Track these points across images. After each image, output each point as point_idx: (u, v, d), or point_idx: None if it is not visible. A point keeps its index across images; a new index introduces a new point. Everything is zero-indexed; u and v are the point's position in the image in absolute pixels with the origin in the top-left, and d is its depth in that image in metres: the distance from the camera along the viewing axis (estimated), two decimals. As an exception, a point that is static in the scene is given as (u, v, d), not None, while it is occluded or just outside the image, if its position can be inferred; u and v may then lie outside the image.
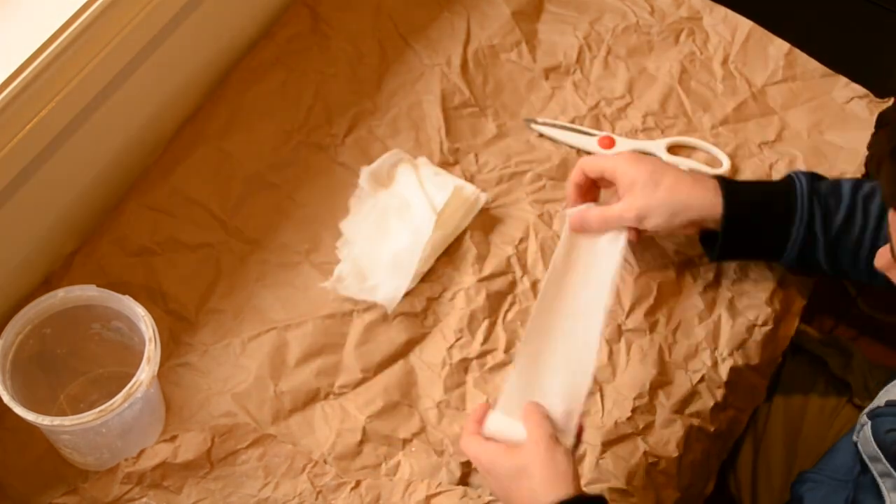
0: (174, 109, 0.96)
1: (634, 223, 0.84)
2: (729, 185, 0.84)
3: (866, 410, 0.77)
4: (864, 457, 0.76)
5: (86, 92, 0.83)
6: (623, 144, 0.98)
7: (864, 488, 0.77)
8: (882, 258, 0.72)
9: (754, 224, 0.84)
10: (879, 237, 0.82)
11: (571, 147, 0.99)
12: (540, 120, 0.99)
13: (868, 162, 0.71)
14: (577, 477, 0.73)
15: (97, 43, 0.81)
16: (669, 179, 0.83)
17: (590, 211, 0.85)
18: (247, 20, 1.02)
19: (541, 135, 0.99)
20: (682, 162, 0.98)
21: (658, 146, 0.98)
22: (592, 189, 0.88)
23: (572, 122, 1.00)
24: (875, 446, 0.74)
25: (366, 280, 0.88)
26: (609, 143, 0.98)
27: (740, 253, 0.88)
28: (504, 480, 0.74)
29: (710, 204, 0.83)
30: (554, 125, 0.99)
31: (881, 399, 0.76)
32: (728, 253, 0.87)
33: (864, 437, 0.75)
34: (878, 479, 0.74)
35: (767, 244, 0.85)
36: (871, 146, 0.72)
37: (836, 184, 0.85)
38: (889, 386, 0.78)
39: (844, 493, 0.80)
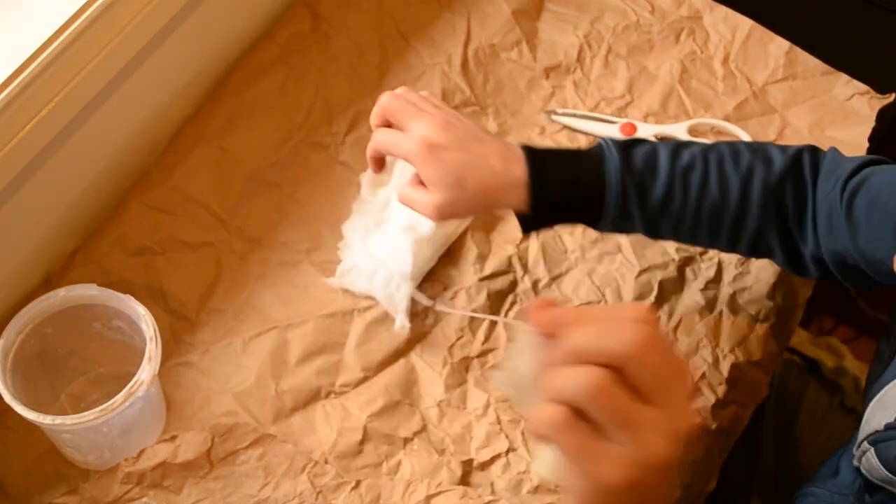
0: (174, 109, 0.96)
1: (435, 219, 0.78)
2: (535, 166, 0.76)
3: (864, 437, 0.74)
4: (874, 480, 0.73)
5: (86, 92, 0.83)
6: (645, 130, 0.99)
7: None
8: None
9: (564, 206, 0.78)
10: (702, 211, 0.77)
11: (594, 136, 0.99)
12: (560, 111, 1.00)
13: None
14: None
15: (97, 43, 0.81)
16: (474, 179, 0.75)
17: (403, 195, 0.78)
18: (247, 20, 1.02)
19: (565, 126, 1.00)
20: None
21: (680, 129, 0.99)
22: None
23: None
24: (885, 472, 0.71)
25: (371, 276, 0.88)
26: (631, 129, 0.98)
27: (553, 223, 0.81)
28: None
29: (516, 197, 0.76)
30: (574, 115, 0.99)
31: (872, 421, 0.73)
32: (539, 226, 0.80)
33: (870, 463, 0.72)
34: None
35: (581, 218, 0.79)
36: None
37: (653, 154, 0.78)
38: (873, 403, 0.74)
39: None
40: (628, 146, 0.78)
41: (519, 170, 0.75)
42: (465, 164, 0.74)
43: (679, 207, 0.77)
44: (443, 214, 0.76)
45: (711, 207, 0.77)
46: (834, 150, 0.80)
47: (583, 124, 0.99)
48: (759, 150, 0.79)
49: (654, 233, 0.80)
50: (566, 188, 0.77)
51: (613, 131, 0.99)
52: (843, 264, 0.77)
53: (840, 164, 0.78)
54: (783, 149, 0.79)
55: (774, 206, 0.78)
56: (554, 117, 1.00)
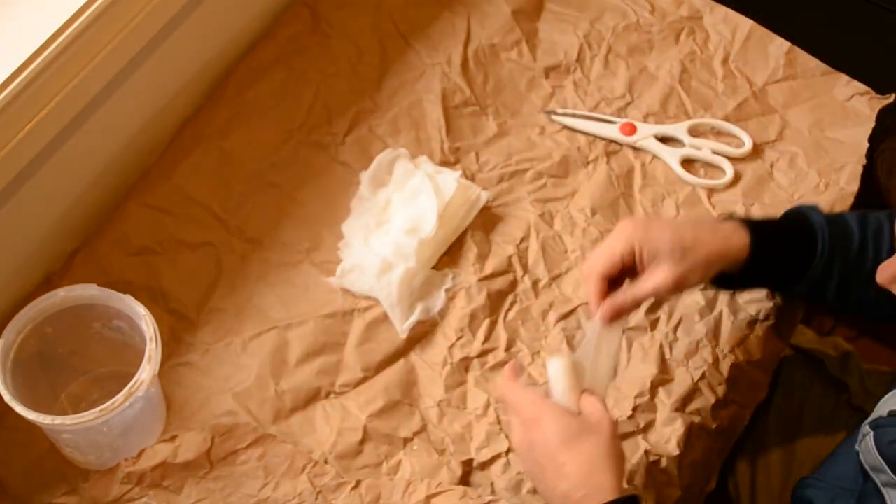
0: (174, 109, 0.97)
1: (671, 292, 0.80)
2: (751, 224, 0.81)
3: (868, 421, 0.76)
4: (866, 466, 0.75)
5: (86, 92, 0.83)
6: (644, 130, 0.98)
7: (866, 497, 0.76)
8: (885, 272, 0.69)
9: (777, 258, 0.81)
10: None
11: (593, 136, 0.99)
12: (560, 111, 1.00)
13: (877, 168, 0.68)
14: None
15: (97, 43, 0.81)
16: (691, 235, 0.79)
17: (617, 298, 0.79)
18: (247, 20, 1.02)
19: (565, 126, 1.00)
20: (706, 144, 0.99)
21: (680, 129, 0.99)
22: (612, 286, 0.81)
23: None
24: (878, 456, 0.73)
25: (371, 277, 0.88)
26: (630, 129, 0.98)
27: (752, 284, 0.86)
28: (557, 436, 0.70)
29: (738, 245, 0.79)
30: (574, 115, 0.99)
31: (882, 409, 0.75)
32: (740, 285, 0.84)
33: (866, 447, 0.74)
34: (882, 489, 0.74)
35: (783, 276, 0.83)
36: (881, 151, 0.70)
37: (842, 219, 0.82)
38: (889, 395, 0.77)
39: (849, 502, 0.79)
40: (819, 210, 0.82)
41: (736, 234, 0.79)
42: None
43: (871, 267, 0.76)
44: None
45: None
46: None
47: (582, 124, 1.00)
48: None
49: (845, 299, 0.82)
50: (780, 246, 0.81)
51: (613, 131, 0.99)
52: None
53: None
54: None
55: None
56: (554, 117, 1.00)
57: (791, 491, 0.90)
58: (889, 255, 0.77)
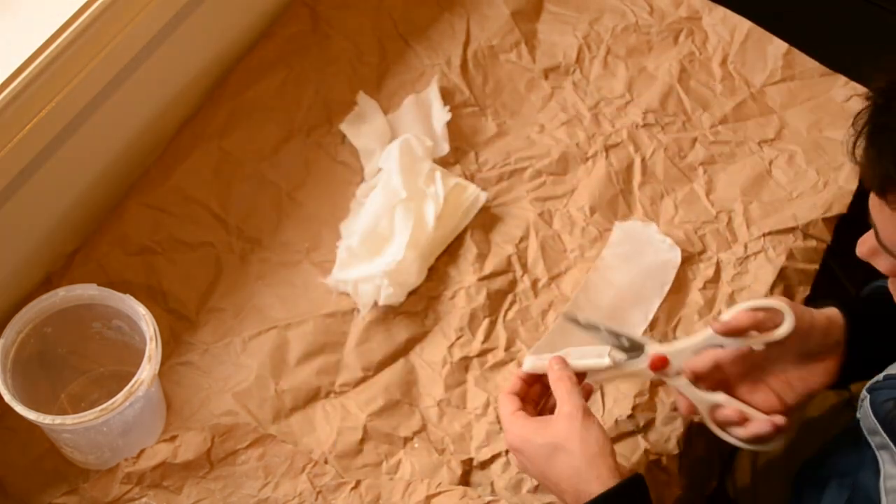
0: (174, 109, 0.97)
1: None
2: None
3: (867, 386, 0.76)
4: (864, 431, 0.76)
5: (86, 92, 0.83)
6: (677, 358, 0.78)
7: (864, 466, 0.76)
8: (864, 245, 0.69)
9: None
10: None
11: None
12: (583, 321, 0.82)
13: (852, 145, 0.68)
14: (613, 452, 0.73)
15: (97, 43, 0.81)
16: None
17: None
18: (247, 20, 1.02)
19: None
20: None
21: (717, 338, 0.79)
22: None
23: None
24: (874, 419, 0.74)
25: (360, 276, 0.88)
26: (663, 362, 0.78)
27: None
28: (538, 458, 0.74)
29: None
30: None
31: (881, 375, 0.76)
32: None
33: (864, 411, 0.75)
34: (877, 453, 0.74)
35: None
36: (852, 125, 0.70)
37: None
38: (893, 366, 0.76)
39: (847, 482, 0.80)
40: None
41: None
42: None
43: None
44: None
45: None
46: None
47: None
48: None
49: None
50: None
51: (643, 363, 0.79)
52: None
53: None
54: None
55: None
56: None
57: (791, 478, 0.89)
58: None
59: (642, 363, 0.78)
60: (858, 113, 0.68)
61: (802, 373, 0.79)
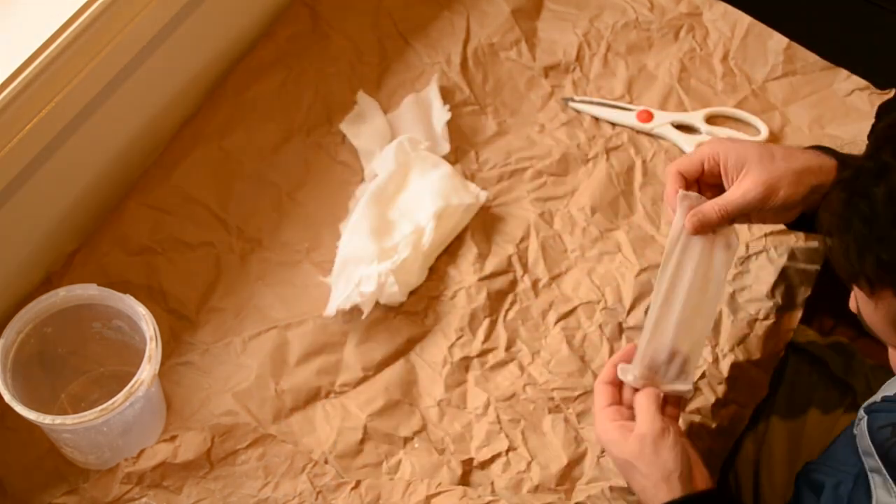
0: (174, 109, 0.97)
1: (760, 203, 0.76)
2: (829, 150, 0.80)
3: (865, 405, 0.76)
4: (860, 450, 0.76)
5: (86, 92, 0.83)
6: (661, 118, 0.99)
7: (858, 483, 0.76)
8: (853, 303, 0.70)
9: None
10: None
11: (611, 123, 1.00)
12: (577, 98, 1.01)
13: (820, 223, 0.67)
14: (684, 475, 0.73)
15: (97, 43, 0.81)
16: (780, 149, 0.78)
17: (705, 206, 0.76)
18: (247, 20, 1.02)
19: (577, 112, 1.00)
20: (722, 131, 0.99)
21: (696, 117, 1.00)
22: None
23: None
24: (869, 441, 0.74)
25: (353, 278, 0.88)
26: (647, 116, 0.99)
27: None
28: (616, 463, 0.77)
29: (827, 165, 0.77)
30: (591, 102, 1.00)
31: (880, 395, 0.76)
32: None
33: (861, 431, 0.75)
34: (869, 475, 0.74)
35: None
36: (822, 206, 0.67)
37: None
38: (889, 382, 0.77)
39: (848, 485, 0.80)
40: None
41: (822, 156, 0.78)
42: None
43: None
44: None
45: None
46: None
47: (599, 111, 1.00)
48: None
49: None
50: None
51: (630, 118, 0.99)
52: None
53: None
54: None
55: None
56: (571, 104, 1.00)
57: (794, 479, 0.89)
58: None
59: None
60: (826, 195, 0.66)
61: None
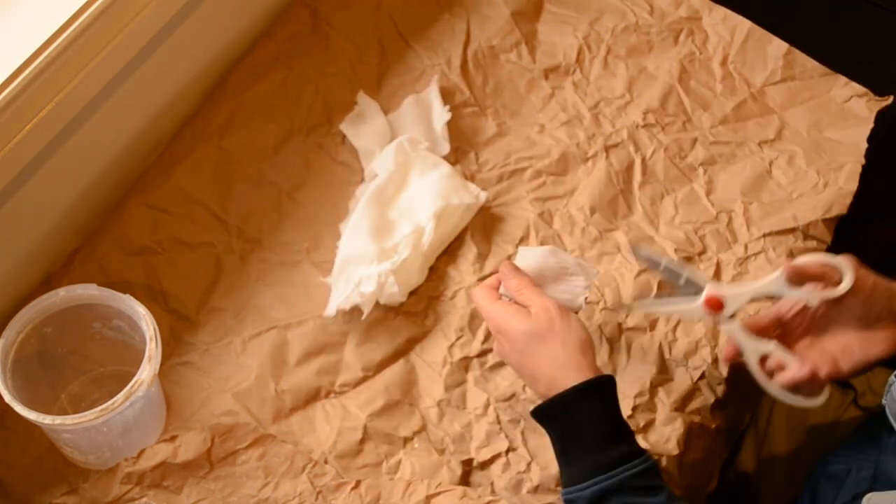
0: (174, 109, 0.97)
1: None
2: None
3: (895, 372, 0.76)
4: (890, 417, 0.75)
5: (86, 92, 0.83)
6: (733, 302, 0.80)
7: (886, 451, 0.76)
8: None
9: None
10: None
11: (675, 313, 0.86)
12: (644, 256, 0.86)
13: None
14: (593, 349, 0.74)
15: (97, 43, 0.81)
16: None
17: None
18: (247, 20, 1.02)
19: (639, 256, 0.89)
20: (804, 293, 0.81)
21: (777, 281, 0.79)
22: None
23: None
24: None
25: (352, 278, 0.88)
26: (717, 304, 0.80)
27: None
28: (518, 342, 0.75)
29: None
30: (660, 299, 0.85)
31: None
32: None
33: (892, 396, 0.74)
34: None
35: None
36: None
37: None
38: None
39: (865, 475, 0.79)
40: None
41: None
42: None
43: None
44: None
45: None
46: None
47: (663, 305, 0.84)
48: None
49: None
50: None
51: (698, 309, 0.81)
52: None
53: None
54: None
55: None
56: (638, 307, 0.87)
57: (800, 492, 0.89)
58: None
59: (697, 301, 0.79)
60: None
61: (862, 339, 0.77)
